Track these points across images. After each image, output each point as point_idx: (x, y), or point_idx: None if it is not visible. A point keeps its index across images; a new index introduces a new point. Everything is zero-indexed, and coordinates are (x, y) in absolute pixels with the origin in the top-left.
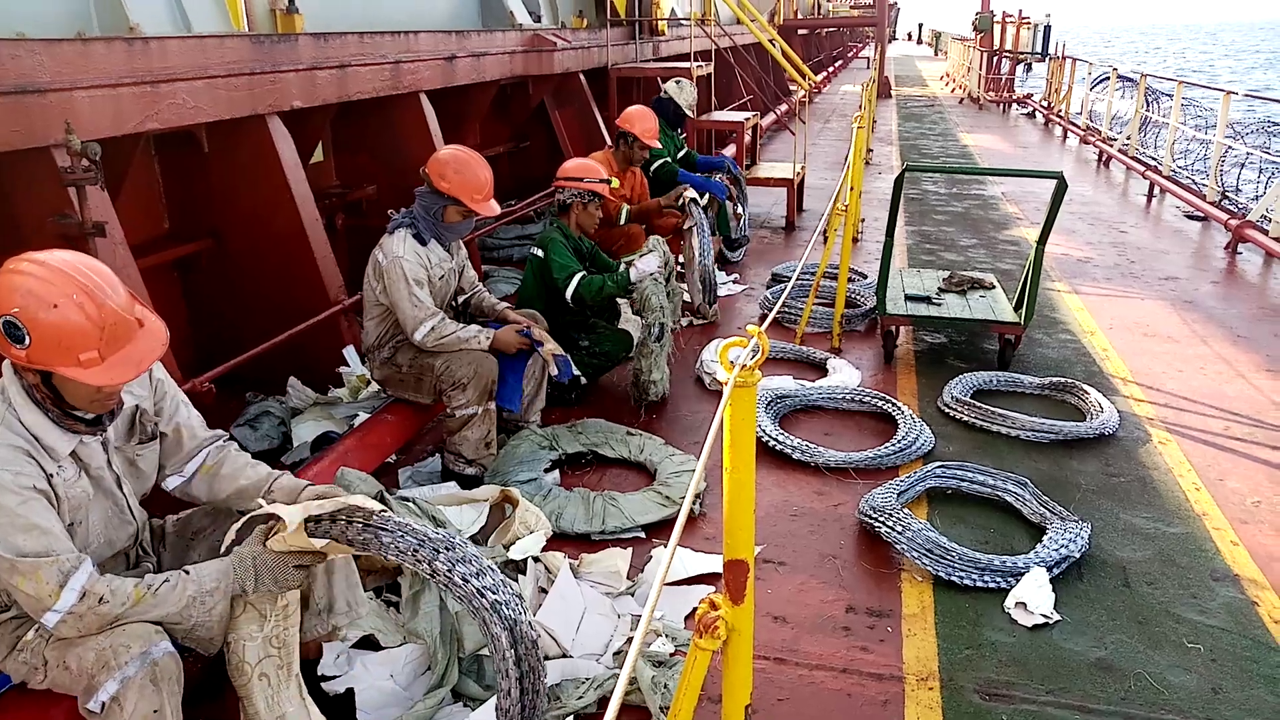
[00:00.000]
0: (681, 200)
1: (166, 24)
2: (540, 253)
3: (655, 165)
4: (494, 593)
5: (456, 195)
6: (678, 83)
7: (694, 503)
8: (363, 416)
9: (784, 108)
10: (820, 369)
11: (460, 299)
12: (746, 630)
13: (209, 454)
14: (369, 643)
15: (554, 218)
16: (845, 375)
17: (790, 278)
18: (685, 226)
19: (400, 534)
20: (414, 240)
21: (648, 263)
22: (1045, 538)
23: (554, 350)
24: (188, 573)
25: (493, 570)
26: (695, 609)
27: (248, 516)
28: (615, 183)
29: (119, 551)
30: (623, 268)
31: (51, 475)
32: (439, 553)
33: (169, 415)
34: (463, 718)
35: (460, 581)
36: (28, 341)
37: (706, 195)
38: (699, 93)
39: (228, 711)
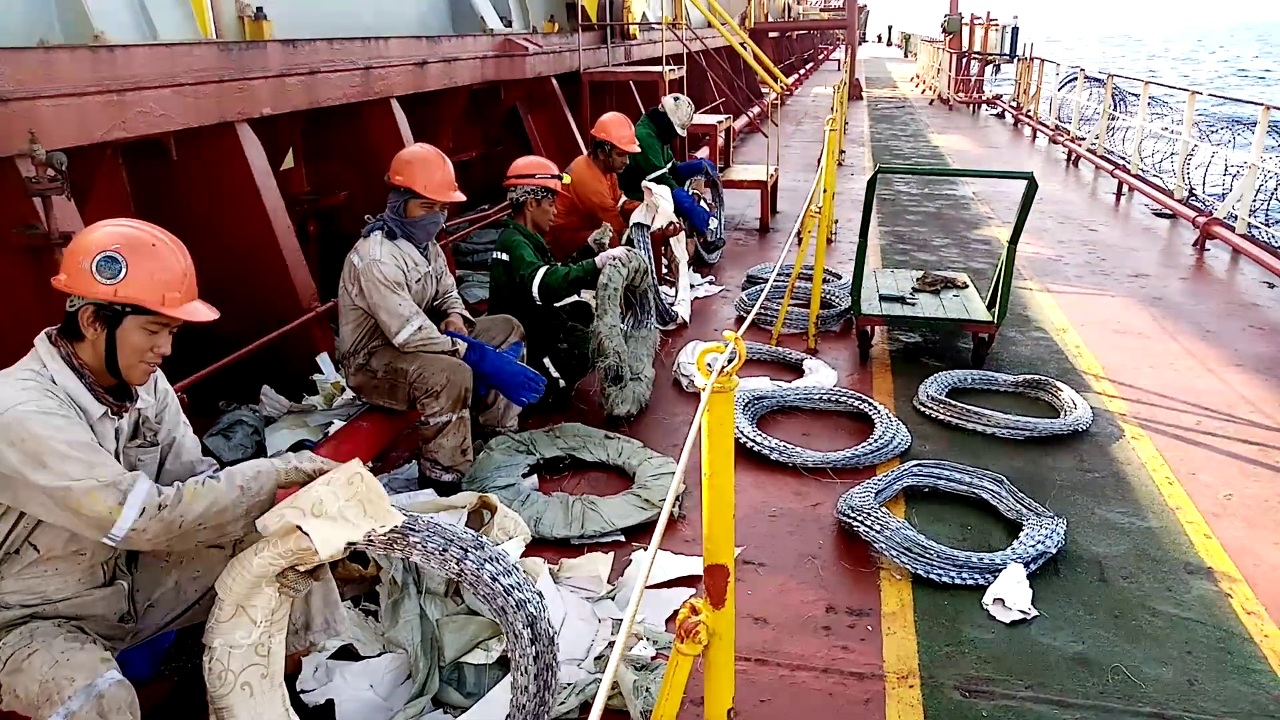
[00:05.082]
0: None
1: (132, 32)
2: (505, 256)
3: (652, 176)
4: (519, 590)
5: (410, 185)
6: (675, 99)
7: (674, 505)
8: (338, 424)
9: (756, 110)
10: (797, 370)
11: (437, 303)
12: (728, 634)
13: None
14: (348, 653)
15: (509, 219)
16: (822, 375)
17: (765, 279)
18: (670, 234)
19: (429, 533)
20: (388, 241)
21: (659, 197)
22: (1022, 534)
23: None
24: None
25: (517, 569)
26: (676, 612)
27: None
28: (567, 178)
29: (97, 563)
30: (633, 219)
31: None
32: (467, 552)
33: (168, 428)
34: None
35: (490, 580)
36: (122, 275)
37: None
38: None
39: None
